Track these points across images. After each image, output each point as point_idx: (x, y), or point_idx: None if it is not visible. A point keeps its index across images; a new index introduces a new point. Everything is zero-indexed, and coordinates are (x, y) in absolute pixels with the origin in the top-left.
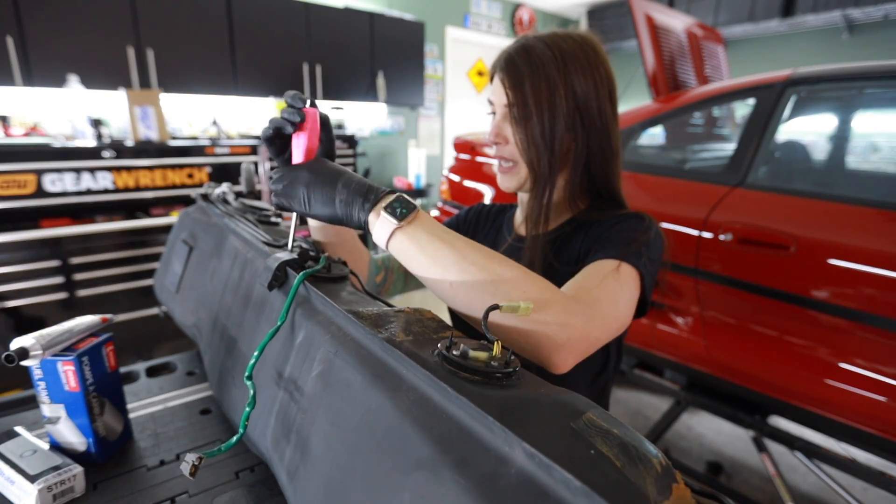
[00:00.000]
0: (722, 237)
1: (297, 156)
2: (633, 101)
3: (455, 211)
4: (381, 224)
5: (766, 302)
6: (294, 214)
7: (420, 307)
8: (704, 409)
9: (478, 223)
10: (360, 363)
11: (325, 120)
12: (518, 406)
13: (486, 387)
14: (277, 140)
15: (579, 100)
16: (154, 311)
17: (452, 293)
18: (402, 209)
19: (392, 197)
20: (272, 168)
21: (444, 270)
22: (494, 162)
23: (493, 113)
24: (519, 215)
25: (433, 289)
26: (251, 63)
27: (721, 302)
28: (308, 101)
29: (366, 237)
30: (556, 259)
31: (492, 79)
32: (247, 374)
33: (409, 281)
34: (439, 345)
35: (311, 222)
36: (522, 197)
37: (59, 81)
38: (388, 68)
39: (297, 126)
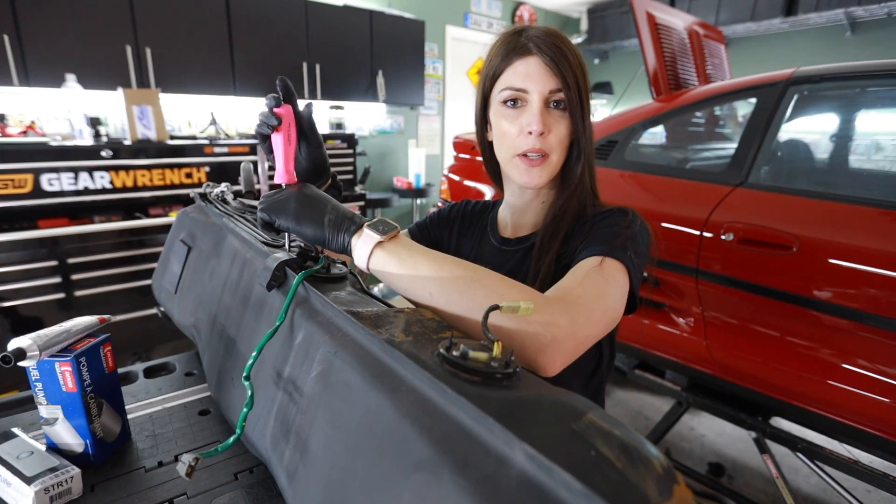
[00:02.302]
0: (723, 237)
1: (278, 155)
2: (633, 100)
3: None
4: (363, 241)
5: (768, 302)
6: None
7: (420, 307)
8: (706, 409)
9: (462, 222)
10: (359, 364)
11: (308, 119)
12: (518, 407)
13: (487, 387)
14: (266, 142)
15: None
16: (152, 311)
17: (434, 303)
18: (384, 227)
19: (375, 220)
20: (270, 167)
21: (424, 282)
22: (509, 157)
23: (516, 101)
24: (505, 215)
25: (415, 300)
26: (250, 62)
27: (723, 302)
28: (282, 100)
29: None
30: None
31: (504, 65)
32: (244, 374)
33: None
34: (439, 345)
35: None
36: (520, 196)
37: (57, 81)
38: (388, 67)
39: (274, 128)
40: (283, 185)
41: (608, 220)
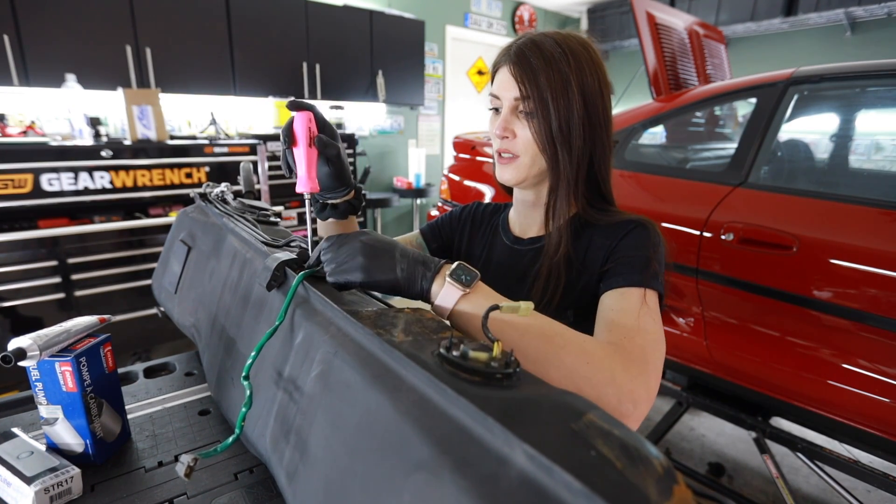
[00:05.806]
0: (723, 237)
1: (300, 163)
2: (633, 100)
3: None
4: (446, 291)
5: (768, 302)
6: (307, 204)
7: (420, 307)
8: (706, 410)
9: (473, 223)
10: (359, 364)
11: (330, 129)
12: (518, 407)
13: (487, 388)
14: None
15: (587, 96)
16: (152, 311)
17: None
18: (466, 276)
19: (454, 265)
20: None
21: (507, 338)
22: (495, 155)
23: (497, 108)
24: (514, 216)
25: None
26: (250, 62)
27: (723, 302)
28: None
29: None
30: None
31: (494, 74)
32: (243, 374)
33: None
34: (439, 345)
35: (319, 222)
36: (521, 197)
37: (57, 81)
38: (388, 67)
39: (290, 144)
40: (307, 194)
41: (633, 240)
